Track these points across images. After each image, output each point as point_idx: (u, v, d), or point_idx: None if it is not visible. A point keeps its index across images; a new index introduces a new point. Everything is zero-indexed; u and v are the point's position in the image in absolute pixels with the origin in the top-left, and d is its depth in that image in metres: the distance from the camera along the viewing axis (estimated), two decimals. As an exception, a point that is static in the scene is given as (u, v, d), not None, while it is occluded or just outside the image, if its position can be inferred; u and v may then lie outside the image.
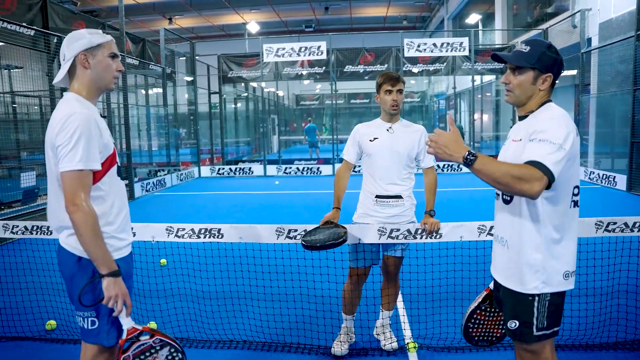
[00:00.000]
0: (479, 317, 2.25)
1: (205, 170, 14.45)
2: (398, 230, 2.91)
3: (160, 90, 13.25)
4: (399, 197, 2.97)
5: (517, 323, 1.89)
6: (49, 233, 3.18)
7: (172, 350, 1.93)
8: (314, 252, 2.77)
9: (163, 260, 4.69)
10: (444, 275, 3.43)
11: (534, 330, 1.85)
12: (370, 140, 2.98)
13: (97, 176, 1.87)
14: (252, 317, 3.54)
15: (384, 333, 3.19)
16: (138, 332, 1.89)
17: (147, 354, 1.89)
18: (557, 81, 1.87)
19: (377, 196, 2.98)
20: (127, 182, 10.37)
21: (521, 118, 1.91)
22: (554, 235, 1.81)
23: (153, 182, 11.31)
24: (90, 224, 1.76)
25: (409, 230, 2.91)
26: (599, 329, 3.19)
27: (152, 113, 14.28)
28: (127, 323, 1.89)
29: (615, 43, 10.02)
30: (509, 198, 1.91)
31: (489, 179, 1.68)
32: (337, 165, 3.29)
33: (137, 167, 12.33)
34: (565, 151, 1.68)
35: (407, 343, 3.15)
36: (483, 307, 2.23)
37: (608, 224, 2.89)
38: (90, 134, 1.81)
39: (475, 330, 2.27)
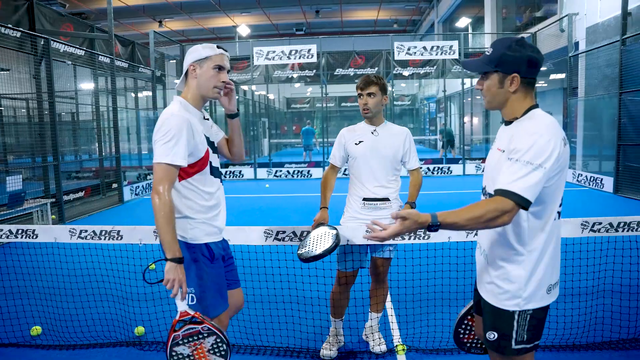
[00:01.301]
0: (470, 322, 2.21)
1: (196, 174, 14.36)
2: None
3: (149, 93, 13.19)
4: (386, 199, 2.99)
5: (496, 335, 1.82)
6: (35, 237, 3.14)
7: (218, 340, 2.05)
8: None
9: (152, 265, 4.65)
10: (432, 276, 3.44)
11: (513, 343, 1.79)
12: (356, 144, 2.99)
13: (189, 172, 2.14)
14: (241, 319, 3.52)
15: (372, 335, 3.19)
16: (190, 316, 2.04)
17: (195, 337, 2.04)
18: (534, 79, 1.76)
19: (364, 199, 2.99)
20: (116, 185, 10.29)
21: (507, 123, 1.82)
22: (538, 250, 1.74)
23: (143, 186, 11.23)
24: (164, 211, 1.97)
25: (397, 232, 2.91)
26: (585, 329, 3.22)
27: (142, 116, 14.20)
28: (181, 306, 2.04)
29: (602, 47, 10.16)
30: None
31: (465, 228, 1.64)
32: (326, 170, 3.32)
33: (127, 170, 12.23)
34: (544, 170, 1.60)
35: (396, 345, 3.15)
36: (473, 313, 2.19)
37: (593, 224, 2.91)
38: (180, 135, 2.04)
39: (466, 336, 2.24)
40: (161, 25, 24.10)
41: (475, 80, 17.46)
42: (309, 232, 2.85)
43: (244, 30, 22.55)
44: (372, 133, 3.00)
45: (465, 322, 2.22)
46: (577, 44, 11.68)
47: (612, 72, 9.65)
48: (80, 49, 9.31)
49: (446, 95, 16.12)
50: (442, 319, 3.36)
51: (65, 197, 8.53)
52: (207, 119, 2.32)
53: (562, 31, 12.27)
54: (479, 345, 2.26)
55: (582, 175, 10.89)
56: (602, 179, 10.06)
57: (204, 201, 2.21)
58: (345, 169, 3.14)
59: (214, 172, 2.27)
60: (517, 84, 1.73)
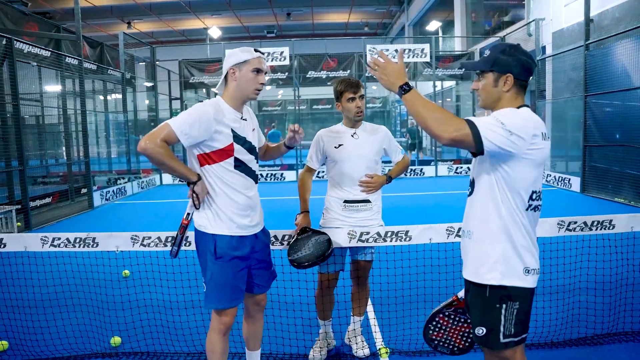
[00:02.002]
0: (441, 321, 2.25)
1: (167, 178, 14.12)
2: (368, 233, 2.92)
3: (119, 95, 12.88)
4: (367, 201, 2.98)
5: (484, 330, 1.89)
6: (3, 246, 2.99)
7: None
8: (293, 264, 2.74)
9: (126, 272, 4.52)
10: (413, 278, 3.45)
11: (501, 337, 1.86)
12: (336, 147, 2.96)
13: (214, 159, 2.30)
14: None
15: (355, 338, 3.17)
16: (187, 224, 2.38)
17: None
18: (526, 82, 1.90)
19: (345, 201, 2.97)
20: (85, 190, 9.99)
21: None
22: (512, 230, 1.85)
23: (113, 191, 10.94)
24: (160, 152, 2.14)
25: (378, 234, 2.92)
26: (562, 326, 3.29)
27: (111, 120, 13.85)
28: (189, 208, 2.35)
29: (567, 52, 10.49)
30: (471, 189, 1.96)
31: (414, 112, 1.77)
32: (301, 172, 3.26)
33: (96, 175, 11.90)
34: (508, 132, 1.69)
35: (379, 348, 3.15)
36: (447, 313, 2.24)
37: (569, 223, 3.00)
38: (195, 119, 2.21)
39: (435, 333, 2.27)
40: (130, 26, 23.59)
41: (445, 84, 17.81)
42: (296, 238, 2.82)
43: (215, 32, 22.32)
44: (352, 136, 2.98)
45: (437, 319, 2.25)
46: (544, 48, 12.03)
47: (578, 75, 9.97)
48: (46, 49, 9.01)
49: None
50: (424, 321, 3.37)
51: (32, 203, 8.22)
52: (245, 120, 2.42)
53: (530, 35, 12.62)
54: (445, 345, 2.28)
55: (550, 175, 11.21)
56: (569, 179, 10.38)
57: (220, 190, 2.34)
58: (321, 172, 3.12)
59: (242, 168, 2.38)
60: (511, 84, 1.86)
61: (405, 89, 1.79)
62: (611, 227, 3.05)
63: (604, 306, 3.45)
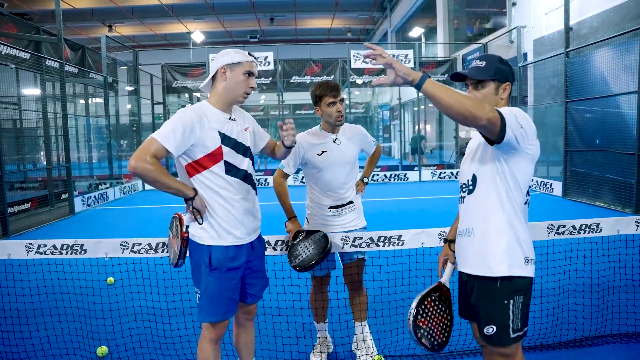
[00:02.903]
0: (429, 305, 2.14)
1: (150, 183, 13.88)
2: (361, 238, 2.91)
3: (101, 99, 12.66)
4: (351, 202, 3.00)
5: (495, 328, 1.91)
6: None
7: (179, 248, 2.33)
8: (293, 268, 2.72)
9: (110, 279, 4.42)
10: (406, 282, 3.45)
11: (511, 332, 1.90)
12: (319, 155, 2.91)
13: (204, 166, 2.22)
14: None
15: (362, 343, 3.11)
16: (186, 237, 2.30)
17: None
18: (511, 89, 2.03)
19: (330, 207, 2.96)
20: (66, 195, 9.78)
21: None
22: (514, 223, 1.92)
23: (95, 196, 10.73)
24: (152, 169, 2.05)
25: (371, 239, 2.92)
26: (552, 329, 3.32)
27: (92, 124, 13.62)
28: (187, 221, 2.28)
29: (548, 59, 10.70)
30: (472, 187, 1.98)
31: (446, 95, 1.64)
32: (276, 177, 3.12)
33: (77, 180, 11.66)
34: (519, 125, 1.76)
35: (373, 358, 3.12)
36: (433, 297, 2.15)
37: (558, 227, 3.04)
38: (179, 125, 2.12)
39: (423, 320, 2.11)
40: (111, 30, 23.29)
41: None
42: (292, 244, 2.80)
43: (198, 37, 22.18)
44: (335, 142, 2.94)
45: (425, 303, 2.13)
46: (525, 54, 12.24)
47: (558, 82, 10.17)
48: (26, 51, 8.81)
49: (401, 103, 16.42)
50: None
51: (9, 209, 8.00)
52: (234, 120, 2.34)
53: (512, 42, 12.85)
54: (428, 336, 2.12)
55: (533, 179, 11.38)
56: (551, 184, 10.56)
57: (212, 200, 2.26)
58: (302, 179, 3.12)
59: (235, 172, 2.29)
60: (509, 91, 1.99)
61: (428, 75, 1.70)
62: (598, 231, 3.10)
63: (592, 308, 3.50)
